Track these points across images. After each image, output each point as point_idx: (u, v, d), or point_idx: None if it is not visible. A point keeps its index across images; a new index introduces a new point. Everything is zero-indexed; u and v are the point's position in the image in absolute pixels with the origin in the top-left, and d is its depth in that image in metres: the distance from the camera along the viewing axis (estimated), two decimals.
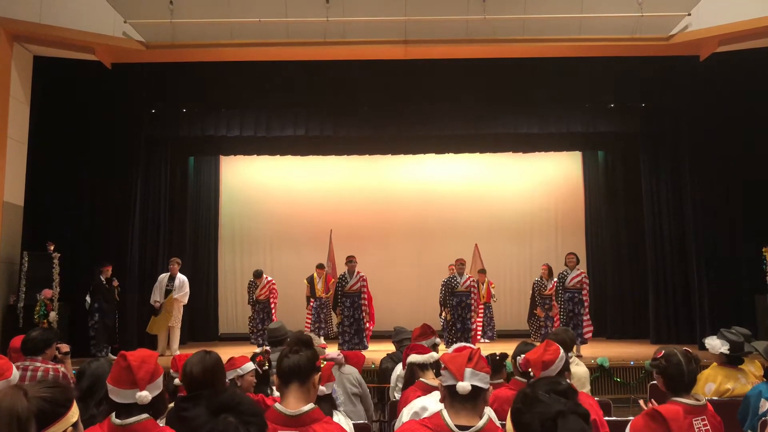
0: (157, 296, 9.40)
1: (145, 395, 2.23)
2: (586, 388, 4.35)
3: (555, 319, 9.31)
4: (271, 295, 10.01)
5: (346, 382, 4.00)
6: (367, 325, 9.63)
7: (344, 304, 9.60)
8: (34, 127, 8.79)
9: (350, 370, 3.92)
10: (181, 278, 9.49)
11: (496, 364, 3.92)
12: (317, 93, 9.66)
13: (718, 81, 9.26)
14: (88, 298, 8.75)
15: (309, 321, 10.36)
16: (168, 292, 9.39)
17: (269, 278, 10.14)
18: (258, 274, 10.07)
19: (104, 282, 8.79)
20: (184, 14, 8.22)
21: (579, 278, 8.87)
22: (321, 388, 2.37)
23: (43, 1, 8.10)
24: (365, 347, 9.28)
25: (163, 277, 9.51)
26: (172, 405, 2.86)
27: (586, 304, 8.78)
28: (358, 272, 9.70)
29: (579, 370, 4.35)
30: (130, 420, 2.21)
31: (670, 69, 9.38)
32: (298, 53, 8.81)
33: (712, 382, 4.03)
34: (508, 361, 4.04)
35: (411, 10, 8.22)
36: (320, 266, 10.52)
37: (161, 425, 2.38)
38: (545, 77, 9.45)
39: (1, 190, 8.07)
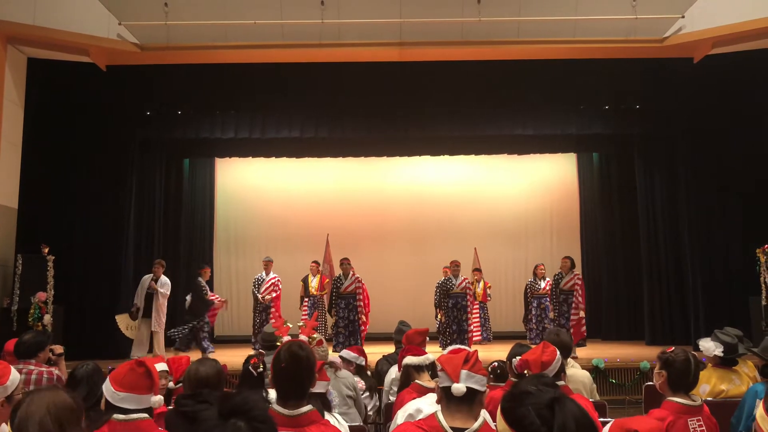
0: (139, 299, 8.96)
1: (159, 399, 2.37)
2: (587, 390, 4.34)
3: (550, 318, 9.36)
4: (274, 293, 10.03)
5: (342, 386, 4.00)
6: (362, 327, 9.62)
7: (339, 305, 9.59)
8: (28, 129, 8.76)
9: (346, 374, 3.93)
10: (164, 279, 9.14)
11: (503, 371, 3.93)
12: (312, 95, 9.65)
13: (712, 83, 9.29)
14: (188, 298, 9.02)
15: (305, 320, 10.34)
16: (149, 295, 8.96)
17: (275, 275, 10.16)
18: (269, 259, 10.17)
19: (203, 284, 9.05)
20: (179, 16, 8.21)
21: (573, 281, 8.90)
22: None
23: (37, 2, 8.07)
24: None
25: (146, 279, 9.08)
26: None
27: (575, 304, 8.79)
28: (353, 274, 9.70)
29: (576, 372, 4.35)
30: (133, 416, 2.30)
31: (664, 71, 9.41)
32: (293, 55, 8.81)
33: (706, 384, 4.04)
34: None
35: (406, 12, 8.22)
36: (315, 261, 10.52)
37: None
38: (540, 79, 9.47)
39: None
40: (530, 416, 1.44)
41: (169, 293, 9.15)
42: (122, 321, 8.81)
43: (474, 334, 10.18)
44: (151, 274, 9.10)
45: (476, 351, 2.29)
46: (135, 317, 8.95)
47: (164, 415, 2.83)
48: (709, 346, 4.09)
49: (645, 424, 2.63)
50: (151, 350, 8.95)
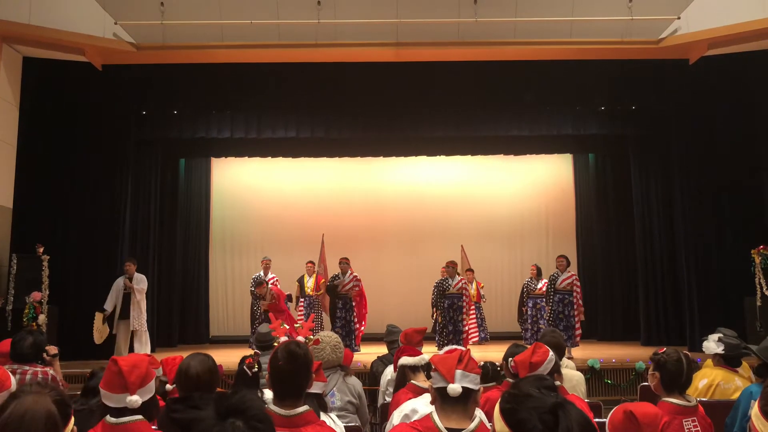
0: (111, 303, 8.63)
1: (135, 399, 2.27)
2: (580, 391, 4.34)
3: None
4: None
5: (348, 393, 3.98)
6: (357, 326, 9.61)
7: (336, 305, 9.58)
8: (23, 129, 8.72)
9: (354, 382, 3.92)
10: (139, 276, 8.86)
11: (495, 372, 3.93)
12: (308, 95, 9.64)
13: (707, 84, 9.32)
14: None
15: (301, 321, 10.34)
16: (126, 296, 8.70)
17: (274, 275, 10.12)
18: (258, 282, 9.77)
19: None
20: (175, 16, 8.19)
21: (569, 280, 8.89)
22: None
23: (33, 1, 8.05)
24: (354, 350, 9.26)
25: (120, 280, 8.76)
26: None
27: (576, 305, 8.78)
28: (351, 272, 9.70)
29: (569, 373, 4.35)
30: (124, 419, 2.25)
31: (660, 72, 9.43)
32: (289, 55, 8.80)
33: (705, 378, 4.05)
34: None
35: (402, 12, 8.22)
36: (311, 261, 10.51)
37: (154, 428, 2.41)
38: (536, 80, 9.48)
39: None
40: (532, 420, 1.44)
41: (146, 289, 8.92)
42: (98, 319, 8.53)
43: (471, 334, 10.17)
44: (124, 275, 8.81)
45: (469, 350, 2.30)
46: (104, 320, 8.67)
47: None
48: (711, 345, 4.10)
49: (643, 407, 2.64)
50: (132, 351, 8.68)
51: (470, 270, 11.16)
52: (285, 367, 2.27)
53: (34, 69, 8.80)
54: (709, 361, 4.20)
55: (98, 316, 8.55)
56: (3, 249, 8.31)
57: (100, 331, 8.55)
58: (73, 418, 1.74)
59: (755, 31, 7.98)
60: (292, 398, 2.24)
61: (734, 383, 4.01)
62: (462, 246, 11.52)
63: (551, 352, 3.03)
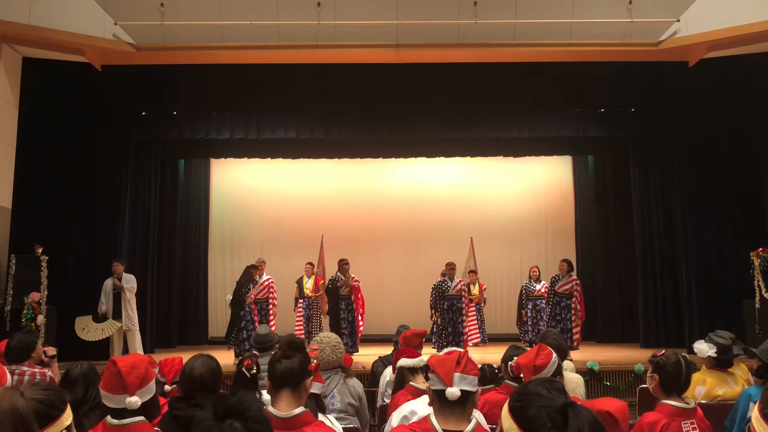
0: (104, 304, 8.74)
1: (135, 401, 2.28)
2: (579, 393, 4.34)
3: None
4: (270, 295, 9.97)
5: (348, 394, 3.98)
6: (359, 326, 9.62)
7: (339, 306, 9.58)
8: (22, 130, 8.72)
9: (355, 383, 3.91)
10: (127, 276, 8.89)
11: (493, 375, 3.92)
12: (308, 96, 9.65)
13: (707, 86, 9.32)
14: None
15: (300, 323, 10.35)
16: (116, 296, 8.74)
17: (269, 277, 10.08)
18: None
19: None
20: (175, 16, 8.19)
21: (570, 285, 8.89)
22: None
23: (33, 2, 8.05)
24: (355, 350, 9.25)
25: (108, 282, 8.80)
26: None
27: (573, 310, 8.77)
28: (351, 274, 9.70)
29: (569, 375, 4.34)
30: (126, 420, 2.26)
31: (659, 74, 9.44)
32: (289, 56, 8.79)
33: (701, 386, 4.04)
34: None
35: (402, 13, 8.22)
36: (310, 262, 10.50)
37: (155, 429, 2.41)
38: (536, 82, 9.49)
39: None
40: (542, 417, 1.44)
41: (135, 288, 8.94)
42: (80, 323, 8.57)
43: (472, 336, 10.16)
44: (112, 276, 8.82)
45: (467, 351, 2.30)
46: (100, 320, 8.70)
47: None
48: (703, 348, 4.11)
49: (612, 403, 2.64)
50: (126, 351, 8.71)
51: (473, 272, 11.15)
52: (282, 353, 2.31)
53: (34, 69, 8.79)
54: (703, 366, 4.20)
55: (79, 321, 8.56)
56: (2, 249, 8.29)
57: (86, 331, 8.53)
58: (64, 421, 1.73)
59: (755, 34, 7.99)
60: (290, 387, 2.26)
61: (729, 385, 4.01)
62: (471, 238, 11.43)
63: (554, 354, 3.03)
